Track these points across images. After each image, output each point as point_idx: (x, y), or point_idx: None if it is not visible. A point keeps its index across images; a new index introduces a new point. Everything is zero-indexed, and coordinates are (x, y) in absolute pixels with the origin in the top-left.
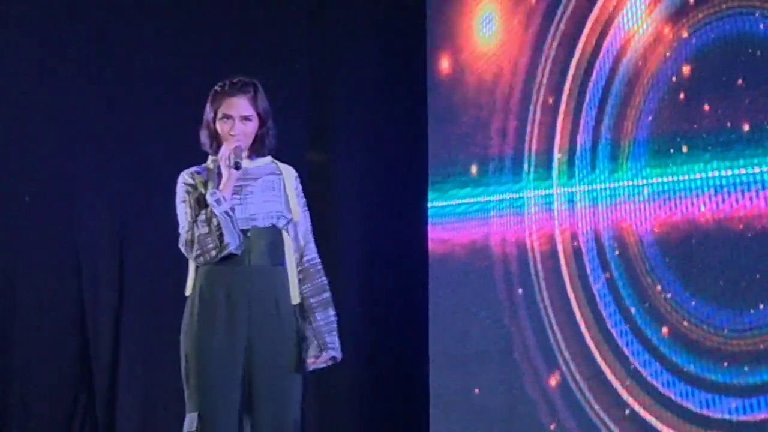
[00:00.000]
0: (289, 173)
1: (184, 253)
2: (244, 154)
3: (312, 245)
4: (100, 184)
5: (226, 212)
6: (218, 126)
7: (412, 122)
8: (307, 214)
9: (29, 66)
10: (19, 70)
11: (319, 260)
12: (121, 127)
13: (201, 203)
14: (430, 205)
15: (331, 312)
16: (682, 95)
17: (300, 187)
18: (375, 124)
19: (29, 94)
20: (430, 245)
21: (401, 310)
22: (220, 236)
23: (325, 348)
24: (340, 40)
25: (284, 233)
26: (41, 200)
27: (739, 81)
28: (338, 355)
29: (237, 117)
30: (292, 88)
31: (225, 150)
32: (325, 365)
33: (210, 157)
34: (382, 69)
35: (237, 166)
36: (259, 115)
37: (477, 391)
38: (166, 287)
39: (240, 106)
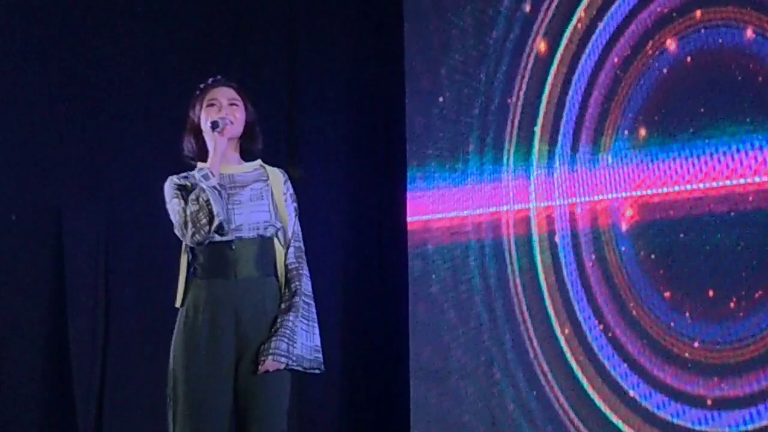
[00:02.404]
0: (276, 178)
1: (181, 238)
2: (228, 128)
3: (292, 249)
4: (87, 202)
5: (214, 187)
6: (204, 116)
7: (391, 138)
8: (296, 217)
9: (12, 83)
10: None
11: (297, 264)
12: (106, 141)
13: None
14: (409, 219)
15: (289, 317)
16: (660, 87)
17: (290, 191)
18: (353, 139)
19: (13, 109)
20: (410, 260)
21: (381, 325)
22: (211, 211)
23: (265, 353)
24: (318, 54)
25: (276, 242)
26: (27, 218)
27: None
28: (279, 361)
29: (224, 101)
30: (269, 101)
31: (208, 118)
32: (272, 369)
33: (199, 164)
34: (361, 85)
35: (214, 126)
36: (246, 106)
37: (457, 405)
38: (154, 307)
39: (227, 93)
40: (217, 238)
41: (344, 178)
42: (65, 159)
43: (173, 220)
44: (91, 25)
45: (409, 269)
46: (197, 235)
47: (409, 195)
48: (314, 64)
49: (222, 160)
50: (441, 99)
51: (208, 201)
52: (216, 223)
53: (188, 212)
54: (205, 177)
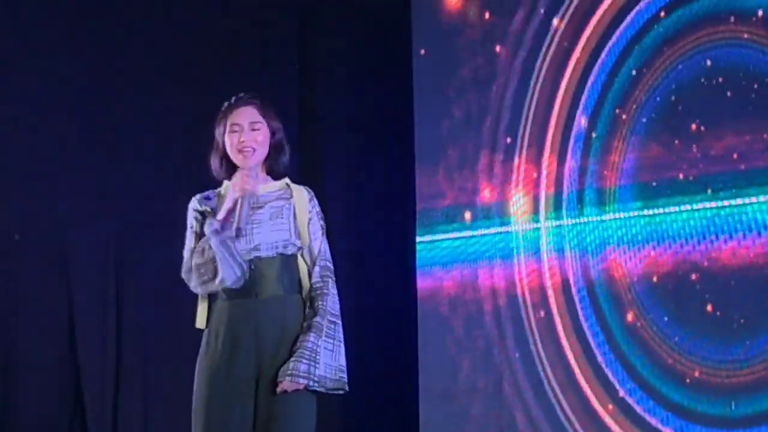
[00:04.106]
0: (301, 197)
1: (186, 282)
2: (255, 185)
3: (318, 269)
4: (93, 217)
5: (224, 242)
6: (227, 140)
7: (399, 154)
8: (323, 236)
9: (19, 100)
10: (7, 103)
11: (322, 284)
12: (113, 159)
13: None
14: (418, 239)
15: (310, 337)
16: (667, 132)
17: (317, 208)
18: (362, 155)
19: (20, 129)
20: (419, 280)
21: (390, 343)
22: (216, 268)
23: (284, 373)
24: (327, 69)
25: (300, 260)
26: (31, 237)
27: (726, 114)
28: (298, 382)
29: (246, 124)
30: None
31: (239, 181)
32: (291, 389)
33: (224, 182)
34: (370, 101)
35: (238, 234)
36: (269, 126)
37: (466, 425)
38: (165, 328)
39: (247, 113)
40: None
41: (353, 194)
42: (71, 179)
43: (183, 256)
44: (98, 46)
45: (417, 287)
46: (200, 289)
47: (417, 212)
48: (323, 79)
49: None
50: (450, 115)
51: (214, 259)
52: (217, 283)
53: (193, 263)
54: (215, 232)
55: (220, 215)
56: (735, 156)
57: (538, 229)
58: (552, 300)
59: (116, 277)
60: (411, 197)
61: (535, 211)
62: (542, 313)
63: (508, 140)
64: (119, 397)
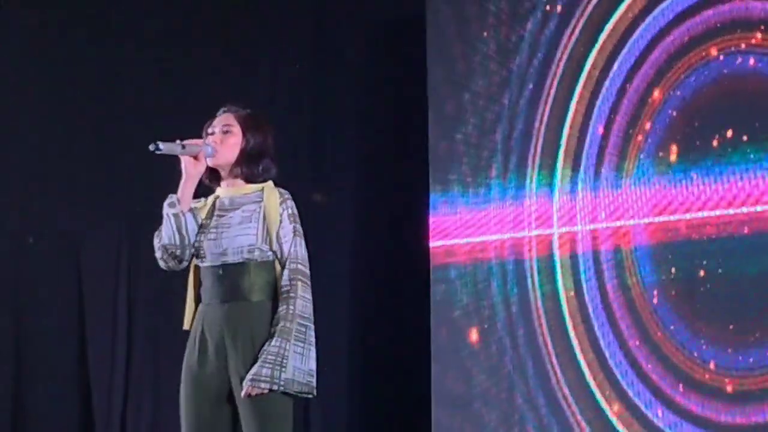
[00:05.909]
0: (272, 199)
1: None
2: (202, 155)
3: (287, 271)
4: (105, 219)
5: (175, 214)
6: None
7: (413, 162)
8: (295, 239)
9: (31, 108)
10: (17, 107)
11: (290, 287)
12: (124, 160)
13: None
14: (431, 244)
15: (276, 342)
16: (682, 113)
17: (290, 210)
18: (376, 164)
19: (32, 133)
20: (432, 285)
21: (403, 350)
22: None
23: (246, 379)
24: (342, 79)
25: (277, 265)
26: (44, 240)
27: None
28: (259, 387)
29: (218, 128)
30: (293, 128)
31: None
32: (255, 393)
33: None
34: (384, 111)
35: (156, 148)
36: (243, 133)
37: (480, 431)
38: (174, 331)
39: (223, 119)
40: (207, 263)
41: (367, 203)
42: (83, 181)
43: None
44: (105, 47)
45: (431, 294)
46: (162, 264)
47: (431, 219)
48: (337, 88)
49: (192, 188)
50: (464, 124)
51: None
52: (157, 243)
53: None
54: (171, 205)
55: (179, 190)
56: (752, 157)
57: (551, 235)
58: (565, 306)
59: (128, 279)
60: (424, 203)
61: (548, 218)
62: (555, 320)
63: (522, 148)
64: (129, 400)
